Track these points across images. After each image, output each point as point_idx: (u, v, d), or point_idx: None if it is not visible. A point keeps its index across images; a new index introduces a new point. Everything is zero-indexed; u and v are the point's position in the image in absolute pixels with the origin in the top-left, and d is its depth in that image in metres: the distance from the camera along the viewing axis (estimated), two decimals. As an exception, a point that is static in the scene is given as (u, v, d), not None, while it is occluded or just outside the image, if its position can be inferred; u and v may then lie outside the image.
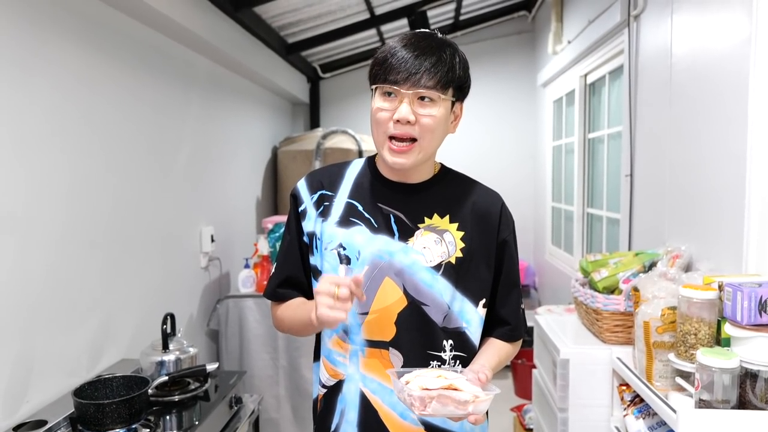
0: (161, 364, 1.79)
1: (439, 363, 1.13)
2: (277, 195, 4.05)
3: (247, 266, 2.93)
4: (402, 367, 1.11)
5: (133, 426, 1.48)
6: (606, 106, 2.95)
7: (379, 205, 1.16)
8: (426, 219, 1.15)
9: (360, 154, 3.69)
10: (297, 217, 1.22)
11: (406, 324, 1.12)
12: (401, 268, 1.12)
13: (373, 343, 1.12)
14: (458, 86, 1.13)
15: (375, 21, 3.71)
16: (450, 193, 1.19)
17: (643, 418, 1.52)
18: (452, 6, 4.00)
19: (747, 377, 1.20)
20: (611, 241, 2.88)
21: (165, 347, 1.82)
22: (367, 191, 1.18)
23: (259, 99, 3.79)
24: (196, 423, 1.63)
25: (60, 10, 1.73)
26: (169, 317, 1.88)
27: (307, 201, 1.21)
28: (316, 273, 1.19)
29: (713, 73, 1.65)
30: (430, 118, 1.08)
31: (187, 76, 2.65)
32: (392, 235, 1.13)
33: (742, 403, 1.20)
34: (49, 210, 1.68)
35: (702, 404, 1.21)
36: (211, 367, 1.80)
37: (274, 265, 1.27)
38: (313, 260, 1.20)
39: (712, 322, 1.31)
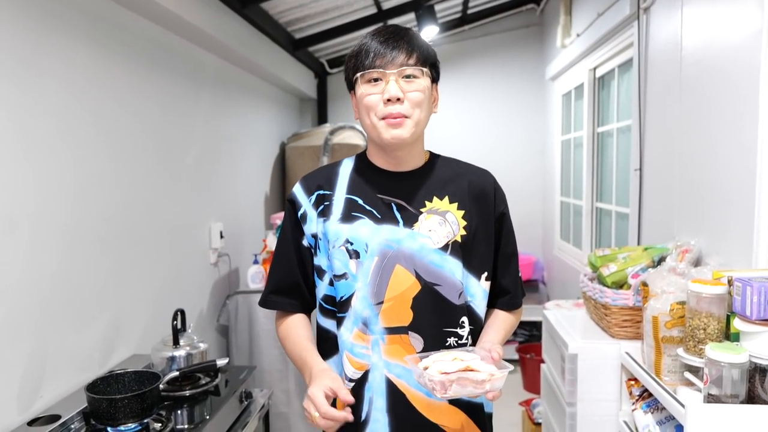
0: (172, 359, 1.81)
1: (457, 339, 1.18)
2: (285, 191, 4.07)
3: (256, 262, 2.95)
4: (423, 348, 1.15)
5: (145, 420, 1.50)
6: (615, 100, 2.93)
7: (379, 196, 1.19)
8: (427, 203, 1.20)
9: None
10: (296, 221, 1.24)
11: (422, 306, 1.15)
12: (411, 253, 1.16)
13: (392, 330, 1.15)
14: (432, 64, 1.19)
15: (382, 15, 3.70)
16: (444, 175, 1.24)
17: (652, 413, 1.52)
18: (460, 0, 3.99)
19: (756, 372, 1.19)
20: (620, 236, 2.87)
21: (176, 343, 1.84)
22: (364, 184, 1.21)
23: (267, 95, 3.80)
24: (207, 417, 1.64)
25: (68, 9, 1.75)
26: (179, 313, 1.90)
27: (306, 204, 1.23)
28: (321, 273, 1.22)
29: (724, 66, 1.63)
30: (417, 92, 1.14)
31: (196, 73, 2.66)
32: (396, 223, 1.17)
33: (751, 398, 1.20)
34: (59, 208, 1.70)
35: (711, 399, 1.21)
36: (221, 362, 1.82)
37: (269, 272, 1.29)
38: (318, 261, 1.22)
39: (722, 317, 1.31)
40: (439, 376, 0.99)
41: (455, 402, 1.17)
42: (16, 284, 1.53)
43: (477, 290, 1.22)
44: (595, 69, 3.23)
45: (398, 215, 1.18)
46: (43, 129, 1.63)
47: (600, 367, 1.73)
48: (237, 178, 3.21)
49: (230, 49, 2.79)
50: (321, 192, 1.22)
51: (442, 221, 1.18)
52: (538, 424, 2.87)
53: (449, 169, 1.26)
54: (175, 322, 1.87)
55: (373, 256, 1.15)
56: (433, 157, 1.28)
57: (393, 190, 1.20)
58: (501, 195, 1.28)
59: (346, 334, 1.18)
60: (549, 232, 4.44)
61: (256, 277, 2.90)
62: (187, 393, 1.76)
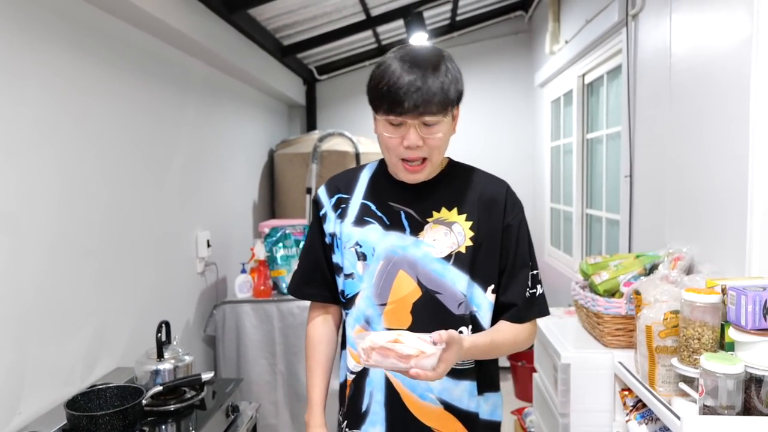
0: (156, 373, 1.76)
1: None
2: (273, 198, 4.03)
3: (243, 271, 2.91)
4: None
5: (128, 437, 1.46)
6: (605, 106, 2.93)
7: (390, 203, 1.25)
8: (434, 213, 1.23)
9: (357, 156, 3.66)
10: (319, 220, 1.33)
11: (421, 312, 1.19)
12: (414, 260, 1.20)
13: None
14: (455, 102, 1.20)
15: (371, 22, 3.69)
16: (457, 185, 1.26)
17: (646, 424, 1.50)
18: (449, 6, 3.98)
19: (752, 382, 1.17)
20: (611, 243, 2.86)
21: (160, 356, 1.80)
22: (379, 192, 1.27)
23: (255, 102, 3.77)
24: (192, 433, 1.60)
25: (51, 15, 1.71)
26: (164, 325, 1.85)
27: (327, 205, 1.32)
28: (338, 270, 1.30)
29: (714, 73, 1.63)
30: (436, 140, 1.16)
31: (182, 80, 2.62)
32: (404, 230, 1.22)
33: (747, 409, 1.18)
34: (41, 217, 1.65)
35: (706, 410, 1.19)
36: (206, 376, 1.78)
37: (298, 264, 1.39)
38: (336, 258, 1.30)
39: (716, 327, 1.29)
40: (365, 342, 1.03)
41: (449, 408, 1.21)
42: (-7, 297, 1.48)
43: (483, 301, 1.23)
44: (584, 75, 3.23)
45: (406, 223, 1.23)
46: (24, 135, 1.59)
47: (593, 377, 1.71)
48: (225, 185, 3.17)
49: (217, 55, 2.75)
50: (340, 195, 1.30)
51: (447, 231, 1.21)
52: (530, 433, 2.84)
53: (463, 179, 1.28)
54: (159, 334, 1.82)
55: (378, 260, 1.21)
56: (450, 166, 1.30)
57: (404, 199, 1.25)
58: (512, 206, 1.26)
59: (349, 329, 1.27)
60: (539, 239, 4.43)
61: (243, 287, 2.86)
62: (172, 407, 1.71)
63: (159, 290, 2.37)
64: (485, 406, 1.28)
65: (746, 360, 1.17)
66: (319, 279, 1.33)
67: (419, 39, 3.82)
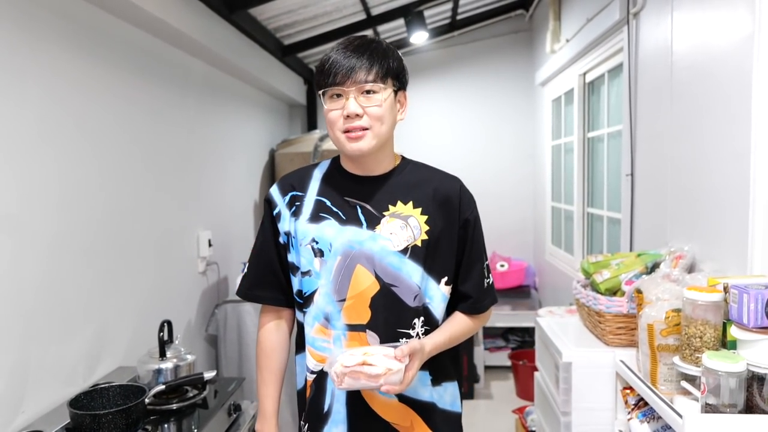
0: (158, 372, 1.76)
1: (407, 339, 1.20)
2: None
3: (244, 270, 2.90)
4: (380, 344, 1.19)
5: (130, 436, 1.46)
6: (605, 105, 2.93)
7: (346, 198, 1.25)
8: (390, 207, 1.24)
9: (358, 155, 3.66)
10: (272, 220, 1.31)
11: (379, 306, 1.20)
12: (371, 254, 1.20)
13: (352, 327, 1.21)
14: (395, 75, 1.22)
15: (371, 21, 3.69)
16: (411, 180, 1.27)
17: (648, 422, 1.50)
18: (449, 5, 3.98)
19: (754, 381, 1.17)
20: (612, 241, 2.86)
21: (162, 355, 1.80)
22: (333, 187, 1.27)
23: (256, 101, 3.77)
24: (195, 431, 1.60)
25: (51, 14, 1.71)
26: (166, 324, 1.86)
27: (281, 203, 1.30)
28: (294, 269, 1.29)
29: (715, 71, 1.63)
30: (376, 108, 1.18)
31: (182, 80, 2.63)
32: (360, 224, 1.22)
33: (750, 407, 1.18)
34: (42, 217, 1.65)
35: (708, 409, 1.19)
36: (208, 375, 1.78)
37: (246, 266, 1.36)
38: (291, 258, 1.29)
39: (718, 325, 1.29)
40: (339, 368, 1.08)
41: (404, 399, 1.23)
42: (-4, 297, 1.48)
43: (436, 293, 1.25)
44: (584, 74, 3.23)
45: (362, 217, 1.23)
46: (24, 135, 1.59)
47: (594, 375, 1.71)
48: (226, 185, 3.18)
49: (218, 55, 2.75)
50: (294, 193, 1.29)
51: (403, 225, 1.22)
52: (532, 432, 2.84)
53: (417, 175, 1.29)
54: (161, 333, 1.82)
55: (336, 256, 1.21)
56: (404, 163, 1.32)
57: (359, 193, 1.25)
58: (467, 201, 1.29)
59: (308, 328, 1.26)
60: (540, 238, 4.43)
61: (245, 286, 2.86)
62: (174, 406, 1.72)
63: (161, 290, 2.37)
64: (446, 397, 1.29)
65: (748, 358, 1.17)
66: (271, 281, 1.31)
67: (419, 38, 3.82)
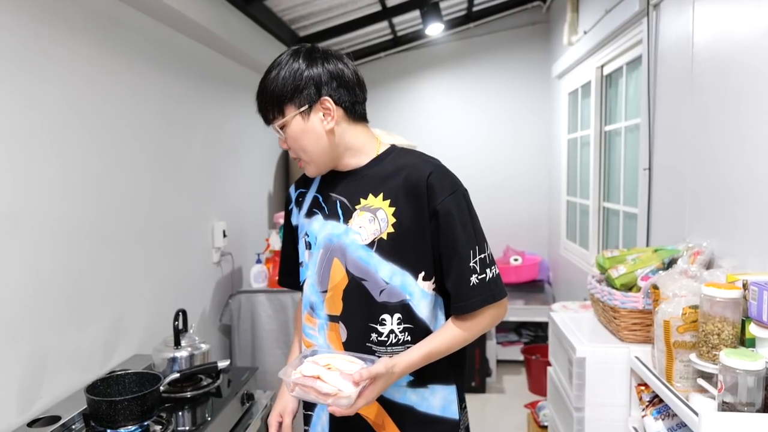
0: (173, 360, 1.78)
1: (377, 335, 1.19)
2: (288, 190, 4.04)
3: (258, 261, 2.93)
4: (347, 338, 1.21)
5: (146, 423, 1.48)
6: (623, 98, 2.89)
7: (330, 193, 1.28)
8: (362, 200, 1.23)
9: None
10: (288, 214, 1.41)
11: (350, 299, 1.21)
12: (344, 247, 1.21)
13: (331, 318, 1.24)
14: (290, 100, 1.20)
15: (387, 13, 3.66)
16: (385, 171, 1.24)
17: (663, 420, 1.48)
18: (465, -3, 3.95)
19: (773, 379, 1.15)
20: (628, 236, 2.83)
21: (177, 343, 1.82)
22: (326, 184, 1.30)
23: (271, 93, 3.77)
24: (208, 419, 1.62)
25: (68, 6, 1.72)
26: (180, 313, 1.87)
27: (293, 199, 1.40)
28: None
29: (738, 63, 1.60)
30: (291, 139, 1.22)
31: (199, 71, 2.63)
32: (338, 219, 1.24)
33: (767, 406, 1.16)
34: (60, 207, 1.67)
35: (725, 407, 1.17)
36: (222, 364, 1.80)
37: (280, 256, 1.47)
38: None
39: (736, 322, 1.27)
40: (292, 376, 1.10)
41: (380, 400, 1.20)
42: (17, 284, 1.50)
43: (415, 289, 1.18)
44: (602, 67, 3.18)
45: (340, 212, 1.24)
46: (43, 127, 1.61)
47: (609, 371, 1.70)
48: (240, 176, 3.19)
49: (233, 46, 2.76)
50: (301, 190, 1.37)
51: (372, 218, 1.20)
52: (544, 428, 2.84)
53: (394, 164, 1.23)
54: (176, 322, 1.84)
55: (319, 248, 1.25)
56: (386, 153, 1.26)
57: (339, 187, 1.27)
58: (438, 189, 1.16)
59: (301, 315, 1.35)
60: (555, 232, 4.40)
61: (258, 277, 2.88)
62: (189, 394, 1.74)
63: (176, 279, 2.39)
64: (432, 400, 1.22)
65: (767, 356, 1.16)
66: (294, 269, 1.39)
67: (435, 30, 3.79)
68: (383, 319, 1.19)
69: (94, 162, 1.83)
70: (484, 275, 1.18)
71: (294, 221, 1.38)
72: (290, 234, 1.41)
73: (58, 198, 1.66)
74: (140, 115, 2.12)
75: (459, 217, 1.17)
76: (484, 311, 1.19)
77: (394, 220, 1.18)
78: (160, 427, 1.52)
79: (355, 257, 1.20)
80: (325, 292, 1.24)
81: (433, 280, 1.20)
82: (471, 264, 1.17)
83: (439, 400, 1.23)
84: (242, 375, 1.95)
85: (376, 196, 1.21)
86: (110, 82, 1.93)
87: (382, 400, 1.21)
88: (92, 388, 1.51)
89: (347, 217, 1.22)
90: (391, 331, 1.19)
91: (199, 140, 2.62)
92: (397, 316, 1.18)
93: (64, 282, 1.69)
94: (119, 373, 1.61)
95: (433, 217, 1.17)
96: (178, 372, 1.74)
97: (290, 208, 1.40)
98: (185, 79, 2.49)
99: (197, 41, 2.60)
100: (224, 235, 2.83)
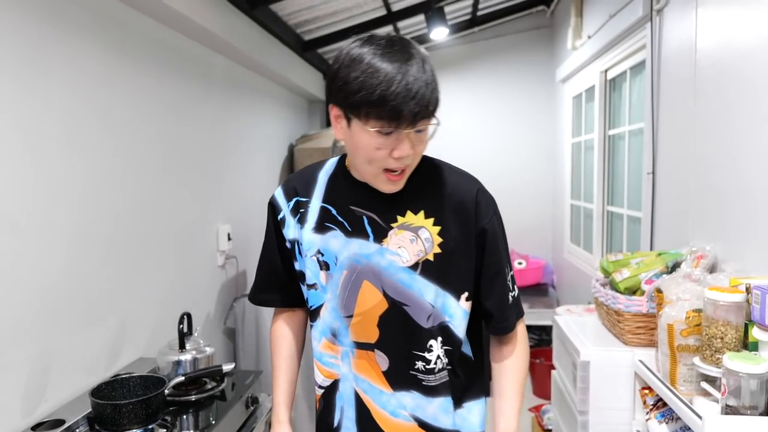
0: (178, 363, 1.79)
1: (424, 363, 1.12)
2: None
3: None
4: (388, 367, 1.12)
5: (150, 426, 1.48)
6: (627, 103, 2.89)
7: (352, 207, 1.13)
8: (399, 217, 1.11)
9: (376, 151, 3.66)
10: (276, 225, 1.23)
11: (389, 326, 1.11)
12: (378, 270, 1.10)
13: (360, 345, 1.13)
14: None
15: (391, 17, 3.68)
16: (423, 186, 1.13)
17: (666, 423, 1.48)
18: (470, 1, 3.96)
19: (776, 383, 1.15)
20: (632, 240, 2.82)
21: (182, 347, 1.83)
22: (339, 194, 1.16)
23: (276, 96, 3.79)
24: (213, 423, 1.63)
25: (75, 9, 1.74)
26: (185, 317, 1.88)
27: (285, 209, 1.21)
28: (302, 277, 1.21)
29: (741, 68, 1.60)
30: (423, 145, 1.07)
31: (204, 75, 2.65)
32: (367, 237, 1.11)
33: (771, 410, 1.16)
34: (66, 210, 1.69)
35: (729, 410, 1.17)
36: (227, 367, 1.80)
37: (256, 270, 1.31)
38: (299, 266, 1.21)
39: (740, 326, 1.27)
40: None
41: (423, 425, 1.13)
42: (22, 286, 1.52)
43: (456, 311, 1.13)
44: (606, 71, 3.19)
45: (369, 229, 1.11)
46: (49, 129, 1.62)
47: (613, 375, 1.70)
48: (245, 179, 3.20)
49: (239, 50, 2.78)
50: (298, 198, 1.20)
51: (414, 238, 1.10)
52: (549, 431, 2.83)
53: (430, 179, 1.14)
54: (181, 325, 1.85)
55: (342, 270, 1.12)
56: (417, 165, 1.12)
57: (366, 202, 1.12)
58: (485, 208, 1.13)
59: (315, 342, 1.20)
60: (559, 236, 4.39)
61: (263, 280, 2.88)
62: (193, 398, 1.75)
63: (181, 283, 2.40)
64: (471, 418, 1.18)
65: (770, 360, 1.16)
66: (276, 285, 1.26)
67: (440, 34, 3.80)
68: (431, 346, 1.11)
69: (100, 166, 1.85)
70: (514, 292, 1.18)
71: (291, 235, 1.20)
72: (278, 248, 1.23)
73: (64, 201, 1.68)
74: (147, 118, 2.13)
75: (499, 236, 1.16)
76: (517, 326, 1.20)
77: (440, 240, 1.10)
78: (165, 430, 1.53)
79: (395, 281, 1.09)
80: (350, 317, 1.12)
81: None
82: (507, 282, 1.17)
83: (475, 417, 1.19)
84: (247, 378, 1.96)
85: (416, 213, 1.11)
86: (116, 85, 1.94)
87: (430, 428, 1.14)
88: (97, 392, 1.52)
89: (380, 235, 1.10)
90: (438, 357, 1.12)
91: (205, 144, 2.64)
92: (439, 339, 1.12)
93: (70, 284, 1.70)
94: (124, 376, 1.62)
95: (480, 236, 1.12)
96: (182, 375, 1.75)
97: (281, 217, 1.22)
98: (192, 83, 2.51)
99: (203, 45, 2.62)
100: (229, 238, 2.85)
